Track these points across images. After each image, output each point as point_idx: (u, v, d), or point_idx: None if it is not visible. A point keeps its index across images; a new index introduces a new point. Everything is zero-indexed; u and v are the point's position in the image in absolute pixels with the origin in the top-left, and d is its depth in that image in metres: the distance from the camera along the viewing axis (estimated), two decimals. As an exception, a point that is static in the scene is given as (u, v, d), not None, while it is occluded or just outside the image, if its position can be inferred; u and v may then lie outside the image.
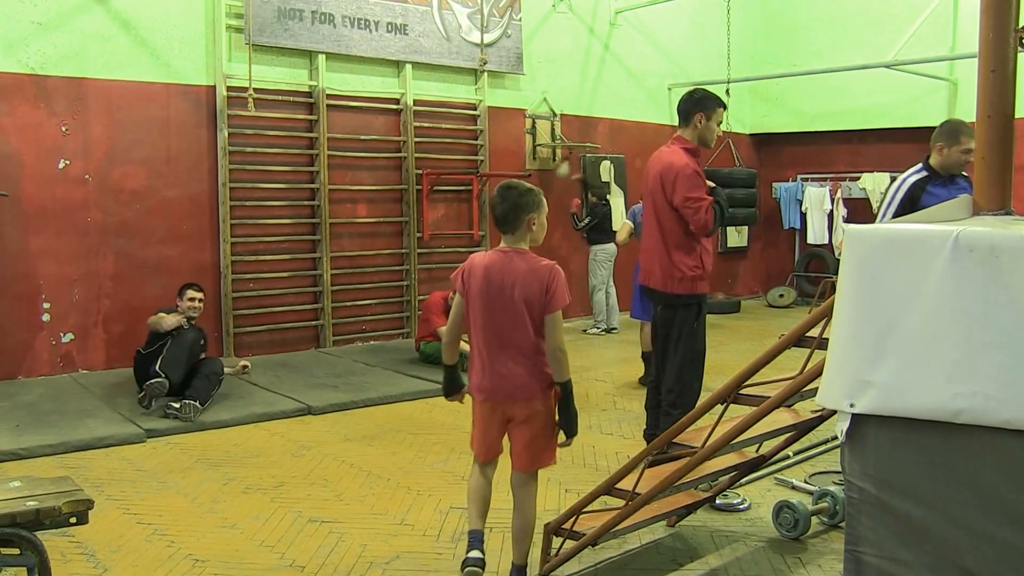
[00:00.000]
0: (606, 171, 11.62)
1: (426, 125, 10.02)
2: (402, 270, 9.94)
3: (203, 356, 6.75)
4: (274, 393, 7.07)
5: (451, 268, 10.18)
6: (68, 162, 7.94)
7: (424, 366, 8.14)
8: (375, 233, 9.75)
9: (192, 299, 6.86)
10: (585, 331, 10.77)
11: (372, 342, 9.60)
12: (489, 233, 10.58)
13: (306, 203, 9.20)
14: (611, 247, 10.37)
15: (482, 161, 10.51)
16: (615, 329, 10.72)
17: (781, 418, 3.92)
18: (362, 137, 9.54)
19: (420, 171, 9.92)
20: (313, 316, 9.26)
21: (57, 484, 3.41)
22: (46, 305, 7.83)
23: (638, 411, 6.81)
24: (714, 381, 7.75)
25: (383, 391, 7.18)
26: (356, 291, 9.57)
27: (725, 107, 5.22)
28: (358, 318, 9.57)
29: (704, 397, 3.57)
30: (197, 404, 6.30)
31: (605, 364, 8.77)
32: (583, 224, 10.41)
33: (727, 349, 9.57)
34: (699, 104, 5.12)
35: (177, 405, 6.26)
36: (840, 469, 4.81)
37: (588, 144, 11.46)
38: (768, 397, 3.32)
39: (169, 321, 6.60)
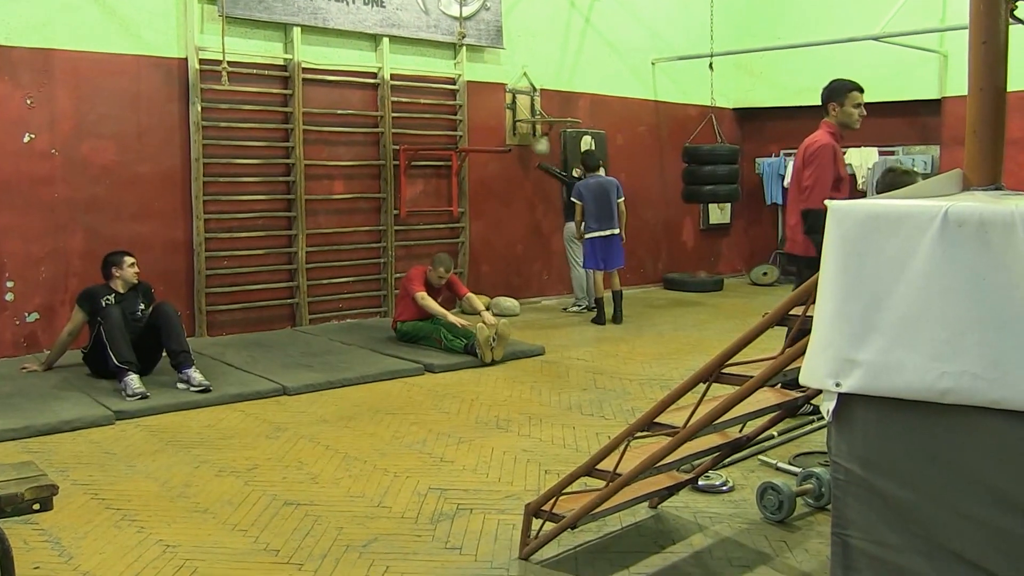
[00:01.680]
0: (587, 146, 11.58)
1: (404, 100, 9.92)
2: (379, 247, 9.88)
3: (151, 309, 6.86)
4: (248, 373, 7.02)
5: (429, 246, 10.19)
6: (33, 136, 7.80)
7: (402, 345, 8.10)
8: (352, 210, 9.68)
9: (133, 265, 6.95)
10: (565, 309, 10.76)
11: (348, 320, 9.55)
12: (468, 210, 10.52)
13: (281, 179, 9.11)
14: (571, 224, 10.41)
15: (461, 137, 10.43)
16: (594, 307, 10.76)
17: (765, 397, 3.90)
18: (338, 112, 9.44)
19: (397, 147, 9.84)
20: (288, 294, 9.19)
21: (19, 469, 3.34)
22: (9, 284, 7.71)
23: (619, 390, 6.81)
24: (696, 360, 7.76)
25: (360, 371, 7.14)
26: (332, 269, 9.50)
27: (860, 89, 5.82)
28: (334, 296, 9.51)
29: (688, 374, 3.55)
30: (192, 371, 6.46)
31: (584, 343, 8.77)
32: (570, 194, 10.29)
33: (710, 328, 9.60)
34: (832, 94, 5.80)
35: (186, 382, 6.45)
36: (826, 450, 4.81)
37: (569, 119, 11.40)
38: (751, 376, 3.29)
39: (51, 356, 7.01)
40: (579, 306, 10.69)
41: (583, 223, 9.80)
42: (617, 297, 9.98)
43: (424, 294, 8.08)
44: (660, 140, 12.95)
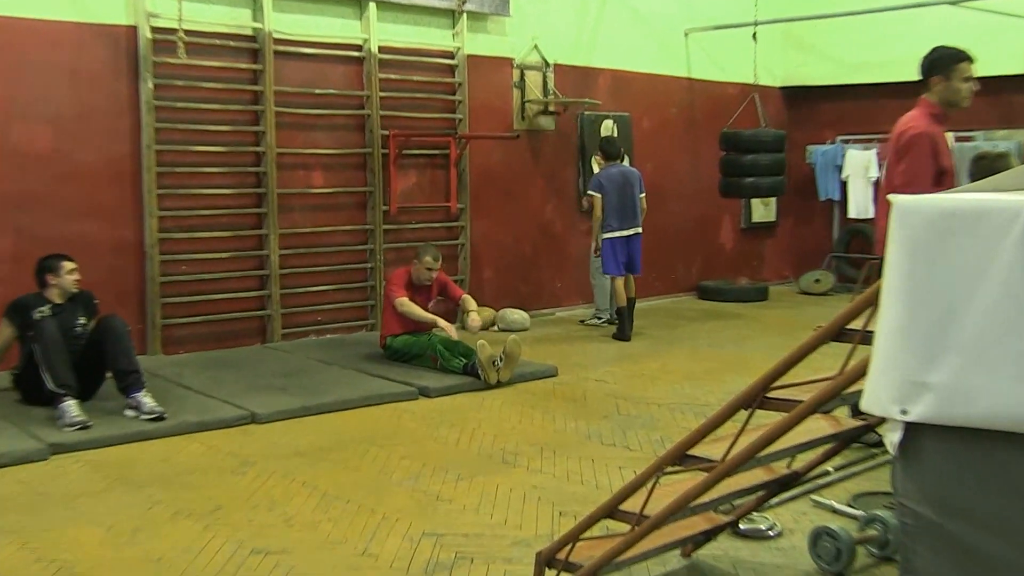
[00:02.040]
0: (608, 132, 11.60)
1: (394, 77, 9.96)
2: (365, 250, 9.91)
3: (94, 322, 6.86)
4: (210, 398, 7.04)
5: (422, 249, 10.17)
6: (-42, 120, 7.86)
7: (392, 364, 8.12)
8: (333, 206, 9.71)
9: (73, 271, 6.95)
10: (583, 321, 10.77)
11: (329, 336, 9.58)
12: (468, 206, 10.55)
13: (250, 170, 9.15)
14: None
15: (461, 120, 10.46)
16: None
17: (819, 426, 3.90)
18: (317, 91, 9.48)
19: (387, 132, 9.87)
20: (258, 305, 9.22)
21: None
22: (-71, 293, 7.75)
23: (645, 417, 6.81)
24: (737, 382, 7.76)
25: (342, 394, 7.16)
26: (310, 275, 9.53)
27: (970, 59, 5.57)
28: (313, 307, 9.54)
29: (728, 399, 3.56)
30: (143, 396, 6.47)
31: (605, 361, 8.79)
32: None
33: (752, 344, 9.61)
34: (934, 66, 5.56)
35: (135, 408, 6.45)
36: (891, 490, 4.81)
37: (586, 100, 11.43)
38: (801, 401, 3.30)
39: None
40: (600, 318, 10.70)
41: (602, 221, 9.85)
42: (630, 307, 10.02)
43: (404, 299, 8.12)
44: (694, 124, 12.97)
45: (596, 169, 10.87)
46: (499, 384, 7.68)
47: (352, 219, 9.86)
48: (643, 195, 10.01)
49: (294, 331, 9.40)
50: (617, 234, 9.84)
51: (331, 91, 9.60)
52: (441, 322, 8.05)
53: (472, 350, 7.78)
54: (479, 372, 7.65)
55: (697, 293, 12.94)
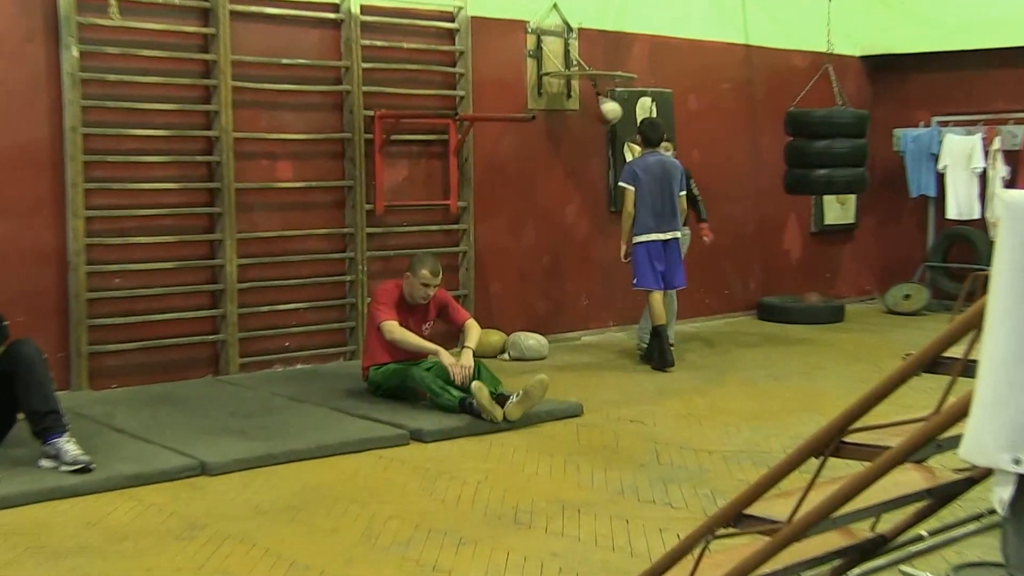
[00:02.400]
0: (644, 111, 11.61)
1: (379, 44, 10.00)
2: (344, 259, 9.94)
3: (2, 350, 6.68)
4: (149, 443, 7.04)
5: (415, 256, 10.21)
6: None
7: (377, 401, 8.13)
8: (304, 204, 9.75)
9: None
10: (639, 348, 10.76)
11: (299, 366, 9.61)
12: (472, 204, 10.56)
13: (200, 159, 9.18)
14: (685, 229, 10.53)
15: (463, 98, 10.50)
16: (671, 345, 10.75)
17: (909, 479, 3.88)
18: (284, 61, 9.52)
19: (371, 112, 9.91)
20: (210, 328, 9.24)
21: None
22: None
23: (692, 467, 6.79)
24: (806, 423, 7.75)
25: (315, 439, 7.17)
26: (275, 290, 9.56)
27: None
28: (278, 330, 9.56)
29: (794, 444, 3.54)
30: (64, 442, 6.40)
31: (641, 397, 8.79)
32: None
33: (825, 375, 9.60)
34: None
35: (54, 457, 6.38)
36: (1001, 559, 4.77)
37: (618, 73, 11.44)
38: (887, 447, 3.28)
39: None
40: (645, 345, 10.72)
41: (633, 220, 9.90)
42: (668, 329, 10.06)
43: (392, 323, 8.09)
44: (752, 103, 12.98)
45: (630, 157, 10.89)
46: (509, 425, 7.66)
47: (328, 221, 9.89)
48: (683, 193, 10.07)
49: (255, 360, 9.42)
50: (653, 237, 9.87)
51: (301, 61, 9.63)
52: (443, 354, 7.99)
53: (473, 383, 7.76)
54: (481, 413, 7.62)
55: (756, 313, 12.93)
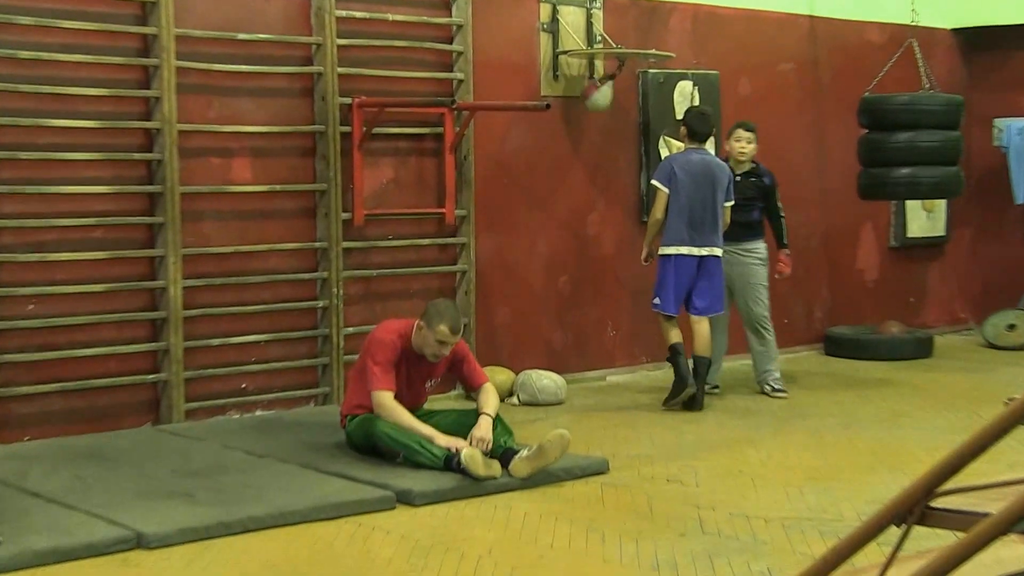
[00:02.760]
0: (684, 96, 11.64)
1: (359, 15, 10.03)
2: (315, 280, 9.96)
3: None
4: (72, 509, 6.99)
5: (404, 278, 10.27)
6: None
7: (356, 456, 8.11)
8: (266, 213, 9.77)
9: None
10: (715, 387, 10.85)
11: (260, 412, 9.63)
12: (473, 212, 10.59)
13: (137, 157, 9.19)
14: (761, 247, 10.67)
15: (461, 82, 10.54)
16: (717, 388, 10.86)
17: (1014, 555, 3.91)
18: (241, 36, 9.54)
19: (348, 100, 9.95)
20: (149, 365, 9.25)
21: None
22: None
23: (744, 537, 6.80)
24: (886, 482, 7.73)
25: (280, 503, 7.15)
26: (230, 319, 9.57)
27: None
28: (234, 368, 9.57)
29: (870, 510, 3.59)
30: None
31: (679, 450, 8.81)
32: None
33: (909, 425, 9.60)
34: None
35: None
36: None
37: (652, 52, 11.47)
38: (986, 514, 3.31)
39: None
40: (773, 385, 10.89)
41: (661, 227, 10.03)
42: (701, 366, 10.12)
43: (386, 395, 7.89)
44: (818, 87, 13.03)
45: (666, 154, 10.94)
46: (519, 485, 7.64)
47: (295, 233, 9.92)
48: (729, 204, 10.20)
49: (205, 406, 9.42)
50: (685, 251, 9.99)
51: (262, 36, 9.66)
52: (438, 439, 7.80)
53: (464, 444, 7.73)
54: (468, 471, 7.55)
55: (824, 346, 12.96)
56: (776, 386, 10.70)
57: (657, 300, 10.10)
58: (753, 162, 10.82)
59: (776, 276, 10.99)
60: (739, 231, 10.55)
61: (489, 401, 8.14)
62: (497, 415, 8.04)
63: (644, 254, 10.31)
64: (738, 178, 10.59)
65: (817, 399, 10.67)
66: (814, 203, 12.93)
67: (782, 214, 10.89)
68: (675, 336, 9.96)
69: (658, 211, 10.01)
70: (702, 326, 10.19)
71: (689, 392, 9.98)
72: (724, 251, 10.22)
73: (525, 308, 11.13)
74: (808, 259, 12.92)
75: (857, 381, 11.46)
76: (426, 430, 7.85)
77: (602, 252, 11.55)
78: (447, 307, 8.18)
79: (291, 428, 9.06)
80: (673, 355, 9.99)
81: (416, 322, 8.10)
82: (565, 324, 11.36)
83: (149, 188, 9.24)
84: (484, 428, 7.88)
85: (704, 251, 9.99)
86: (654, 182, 10.16)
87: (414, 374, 8.15)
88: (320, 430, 8.81)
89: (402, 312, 9.33)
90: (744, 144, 10.69)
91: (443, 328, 7.93)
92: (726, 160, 10.67)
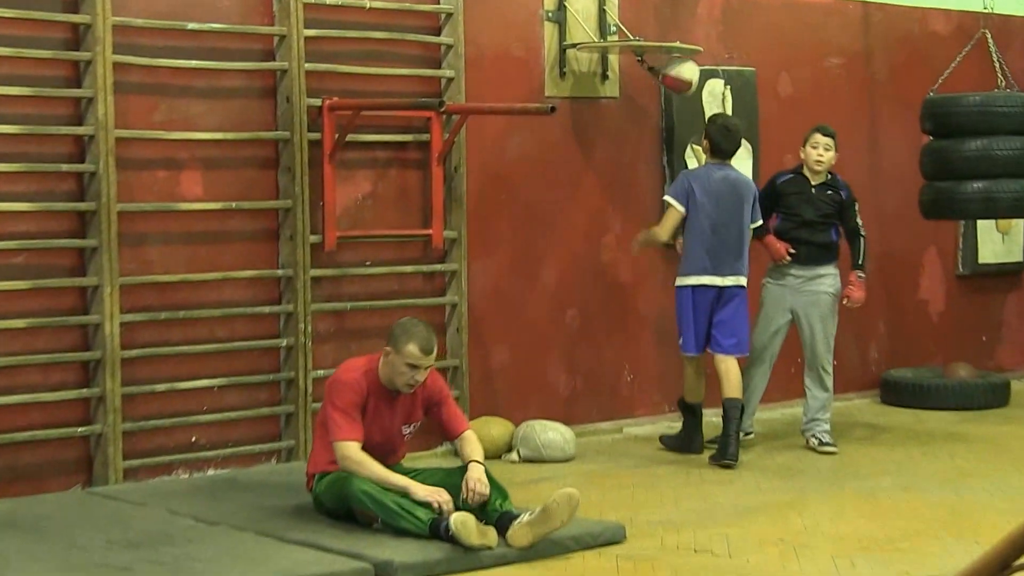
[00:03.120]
0: (714, 99, 11.65)
1: (330, 2, 10.05)
2: (277, 315, 9.98)
3: None
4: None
5: (384, 312, 10.24)
6: None
7: (324, 522, 8.09)
8: (220, 235, 9.78)
9: None
10: (748, 434, 10.92)
11: (212, 471, 9.62)
12: (465, 234, 10.59)
13: (66, 168, 9.18)
14: (833, 274, 10.79)
15: (451, 80, 10.57)
16: (751, 434, 10.91)
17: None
18: (191, 27, 9.54)
19: (318, 102, 9.97)
20: (80, 415, 9.22)
21: None
22: None
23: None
24: (953, 553, 7.71)
25: (234, 578, 7.17)
26: (177, 360, 9.56)
27: None
28: (181, 419, 9.55)
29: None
30: None
31: (717, 516, 8.79)
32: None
33: (980, 486, 9.58)
34: None
35: None
36: None
37: (676, 44, 11.48)
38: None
39: None
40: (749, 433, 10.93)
41: (681, 248, 10.20)
42: (733, 410, 10.17)
43: (351, 446, 7.82)
44: (872, 86, 13.05)
45: (694, 164, 10.95)
46: (519, 556, 7.62)
47: (254, 259, 9.92)
48: (756, 224, 10.34)
49: (147, 463, 9.39)
50: (706, 281, 10.08)
51: (215, 26, 9.66)
52: (414, 488, 7.78)
53: (451, 502, 7.68)
54: (456, 537, 7.53)
55: (880, 393, 12.97)
56: (824, 439, 10.71)
57: (682, 341, 10.16)
58: (830, 173, 10.86)
59: (844, 302, 10.98)
60: (811, 253, 10.67)
61: (476, 449, 8.11)
62: (488, 473, 7.97)
63: (637, 242, 10.53)
64: (813, 190, 10.69)
65: (872, 455, 10.68)
66: (868, 223, 12.74)
67: (862, 232, 10.93)
68: (696, 389, 10.04)
69: (664, 232, 10.20)
70: (730, 364, 10.27)
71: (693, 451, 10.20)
72: (790, 274, 10.41)
73: (527, 348, 11.14)
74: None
75: (919, 434, 11.47)
76: (399, 480, 7.82)
77: (618, 281, 11.57)
78: (414, 324, 8.08)
79: (249, 489, 9.03)
80: (685, 409, 10.07)
81: (383, 351, 8.04)
82: (574, 366, 11.37)
83: (80, 205, 9.22)
84: (478, 474, 7.84)
85: (728, 280, 10.11)
86: (668, 198, 10.28)
87: (388, 418, 8.07)
88: (283, 492, 8.80)
89: (375, 348, 9.26)
90: (822, 151, 10.73)
91: (412, 348, 7.87)
92: (800, 170, 10.77)
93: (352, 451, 7.82)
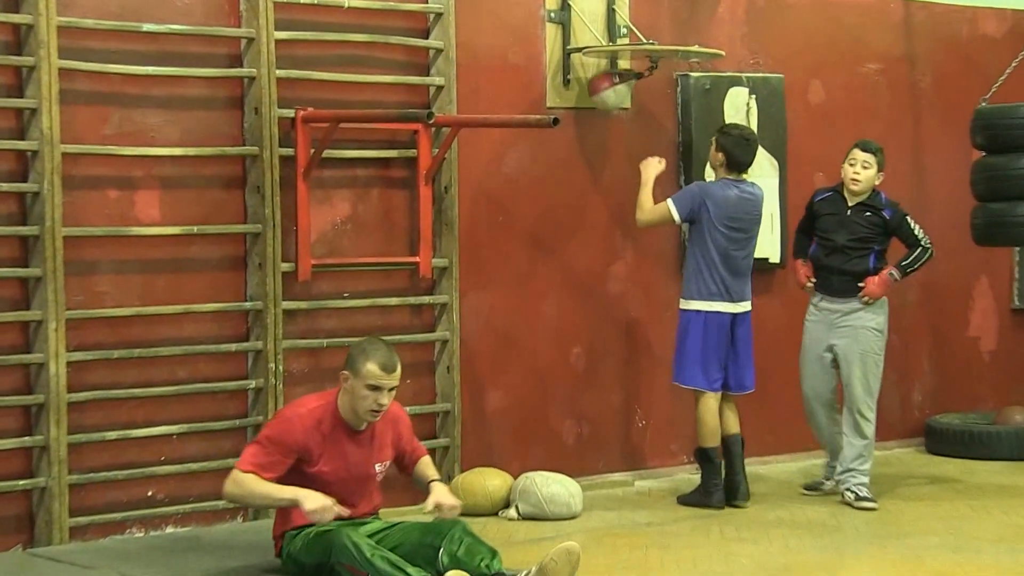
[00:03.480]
0: (737, 110, 11.69)
1: (304, 1, 10.08)
2: (244, 353, 10.00)
3: None
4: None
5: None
6: None
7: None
8: (180, 263, 9.78)
9: None
10: (817, 487, 11.07)
11: (171, 529, 9.60)
12: (457, 263, 10.60)
13: (6, 187, 9.11)
14: (875, 306, 10.80)
15: (441, 88, 10.60)
16: (825, 484, 11.07)
17: None
18: (146, 28, 9.55)
19: (291, 112, 10.00)
20: (22, 467, 9.22)
21: None
22: None
23: None
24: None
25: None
26: (131, 405, 9.55)
27: None
28: (136, 471, 9.54)
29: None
30: None
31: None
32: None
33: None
34: None
35: None
36: None
37: (695, 48, 11.51)
38: None
39: None
40: (831, 481, 11.04)
41: (692, 270, 10.33)
42: (735, 446, 10.41)
43: (247, 477, 7.82)
44: (915, 95, 13.10)
45: (709, 178, 11.02)
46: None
47: (219, 290, 9.93)
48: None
49: (97, 521, 9.37)
50: (719, 307, 10.25)
51: (175, 28, 9.67)
52: (308, 499, 7.67)
53: (436, 551, 7.71)
54: None
55: (924, 441, 12.99)
56: (862, 493, 10.72)
57: (679, 373, 10.38)
58: (876, 191, 10.88)
59: (863, 297, 10.98)
60: (843, 284, 10.76)
61: (432, 469, 8.29)
62: (463, 526, 7.92)
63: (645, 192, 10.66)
64: (849, 211, 10.76)
65: (916, 511, 10.69)
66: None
67: (923, 243, 10.84)
68: (715, 432, 10.11)
69: (643, 216, 10.54)
70: (728, 406, 10.46)
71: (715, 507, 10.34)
72: (826, 308, 10.59)
73: (526, 390, 11.17)
74: (904, 324, 12.96)
75: (969, 487, 11.49)
76: (288, 492, 7.77)
77: (629, 315, 11.62)
78: (371, 342, 8.07)
79: (211, 551, 8.97)
80: (702, 458, 10.14)
81: (340, 377, 8.01)
82: (580, 411, 11.40)
83: (22, 229, 9.20)
84: (443, 492, 8.02)
85: (740, 307, 10.30)
86: (670, 203, 10.40)
87: (356, 455, 8.03)
88: (250, 553, 8.76)
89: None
90: (859, 169, 10.76)
91: (372, 367, 7.85)
92: (839, 188, 10.89)
93: (244, 479, 7.79)
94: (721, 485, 10.29)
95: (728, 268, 10.20)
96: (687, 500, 10.61)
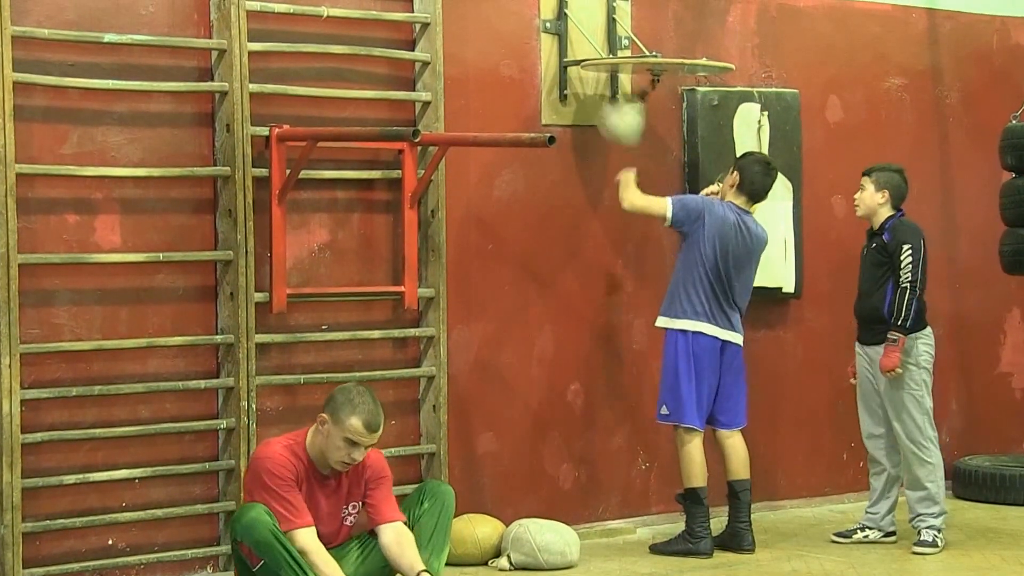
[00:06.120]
0: (748, 128, 11.70)
1: (279, 10, 10.08)
2: (215, 391, 9.98)
3: None
4: None
5: (342, 383, 10.26)
6: None
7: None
8: (144, 293, 9.77)
9: None
10: (836, 537, 11.03)
11: (134, 579, 9.64)
12: (444, 293, 10.61)
13: (-43, 212, 9.23)
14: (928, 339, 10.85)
15: (427, 105, 10.61)
16: (893, 534, 11.05)
17: None
18: (108, 38, 9.55)
19: (265, 130, 10.00)
20: (-25, 512, 9.26)
21: None
22: None
23: None
24: None
25: None
26: (91, 447, 9.52)
27: None
28: (96, 518, 9.51)
29: None
30: None
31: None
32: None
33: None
34: None
35: None
36: None
37: (701, 62, 11.54)
38: None
39: None
40: (871, 529, 11.09)
41: (681, 295, 10.42)
42: (744, 492, 10.45)
43: (306, 532, 7.92)
44: (941, 111, 13.10)
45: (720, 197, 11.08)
46: None
47: (186, 322, 9.93)
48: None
49: (53, 572, 9.34)
50: (705, 328, 10.34)
51: (139, 39, 9.67)
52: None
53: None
54: None
55: (953, 484, 12.92)
56: (923, 537, 10.86)
57: (664, 409, 10.40)
58: (896, 212, 10.87)
59: (851, 381, 11.17)
60: (863, 330, 10.92)
61: (415, 549, 8.19)
62: None
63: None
64: (865, 243, 10.93)
65: (943, 562, 10.68)
66: (937, 278, 12.86)
67: (903, 283, 10.63)
68: (702, 471, 10.16)
69: (635, 200, 10.57)
70: (736, 439, 10.52)
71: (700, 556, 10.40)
72: (862, 355, 10.70)
73: (519, 431, 11.18)
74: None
75: (1000, 535, 11.49)
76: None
77: (631, 350, 11.64)
78: (360, 393, 8.13)
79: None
80: (689, 499, 10.23)
81: (318, 419, 8.10)
82: (577, 454, 11.41)
83: (-27, 256, 9.29)
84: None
85: (728, 335, 10.37)
86: (668, 200, 10.51)
87: (325, 503, 8.14)
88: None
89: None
90: (858, 192, 10.87)
91: (355, 423, 7.95)
92: None
93: (310, 542, 7.88)
94: (709, 530, 10.27)
95: (717, 295, 10.29)
96: (667, 549, 10.60)
